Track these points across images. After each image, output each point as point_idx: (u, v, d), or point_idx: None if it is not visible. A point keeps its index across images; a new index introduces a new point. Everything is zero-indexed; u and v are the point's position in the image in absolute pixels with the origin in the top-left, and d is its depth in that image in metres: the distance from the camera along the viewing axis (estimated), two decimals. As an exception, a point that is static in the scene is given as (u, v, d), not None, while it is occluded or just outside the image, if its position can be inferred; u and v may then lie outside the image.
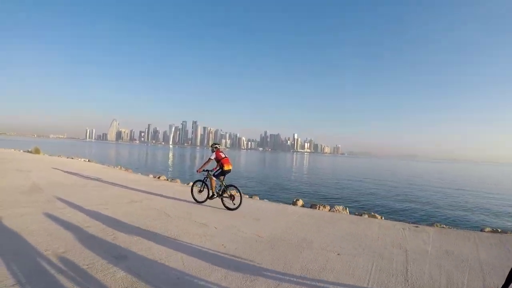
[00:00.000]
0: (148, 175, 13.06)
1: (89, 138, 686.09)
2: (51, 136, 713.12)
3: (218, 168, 6.62)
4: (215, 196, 6.66)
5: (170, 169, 30.30)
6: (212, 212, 6.14)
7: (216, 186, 6.71)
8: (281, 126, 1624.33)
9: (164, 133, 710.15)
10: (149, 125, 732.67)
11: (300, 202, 8.32)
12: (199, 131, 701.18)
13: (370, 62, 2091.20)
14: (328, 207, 7.66)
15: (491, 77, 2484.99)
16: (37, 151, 19.86)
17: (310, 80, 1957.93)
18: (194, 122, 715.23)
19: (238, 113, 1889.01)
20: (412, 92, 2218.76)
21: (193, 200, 7.06)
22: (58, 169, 11.81)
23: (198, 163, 47.13)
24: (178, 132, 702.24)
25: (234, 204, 6.33)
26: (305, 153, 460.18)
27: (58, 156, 19.66)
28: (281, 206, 7.65)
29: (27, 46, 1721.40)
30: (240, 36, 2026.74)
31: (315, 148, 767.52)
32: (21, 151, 22.00)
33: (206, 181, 6.85)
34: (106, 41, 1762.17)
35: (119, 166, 16.18)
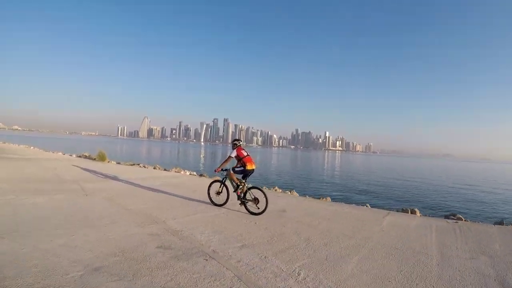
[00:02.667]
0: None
1: (120, 135, 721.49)
2: (83, 133, 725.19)
3: (240, 166, 6.01)
4: (240, 189, 5.94)
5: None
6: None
7: (239, 186, 6.00)
8: (312, 124, 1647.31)
9: (196, 130, 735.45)
10: (180, 122, 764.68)
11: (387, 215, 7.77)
12: (231, 129, 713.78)
13: (403, 61, 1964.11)
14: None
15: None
16: (102, 158, 16.18)
17: (341, 78, 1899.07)
18: (225, 120, 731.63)
19: (270, 110, 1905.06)
20: (448, 92, 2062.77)
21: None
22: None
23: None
24: (209, 130, 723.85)
25: (259, 208, 5.69)
26: (337, 151, 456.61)
27: (131, 165, 14.63)
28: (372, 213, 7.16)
29: (59, 46, 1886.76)
30: (271, 36, 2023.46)
31: (347, 146, 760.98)
32: (74, 155, 19.29)
33: (225, 181, 6.31)
34: (137, 40, 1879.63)
35: (190, 171, 13.57)
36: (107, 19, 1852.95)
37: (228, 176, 6.15)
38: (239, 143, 6.31)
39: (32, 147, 27.30)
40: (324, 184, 22.38)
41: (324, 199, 8.80)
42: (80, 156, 18.73)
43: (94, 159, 16.76)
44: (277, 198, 7.83)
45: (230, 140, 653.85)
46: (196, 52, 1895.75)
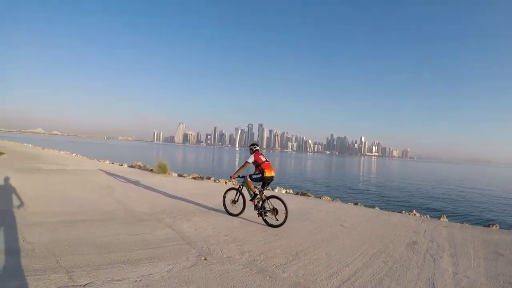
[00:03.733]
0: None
1: (156, 140, 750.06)
2: (120, 138, 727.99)
3: (257, 173, 5.58)
4: (258, 198, 5.55)
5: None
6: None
7: (256, 195, 5.60)
8: (348, 129, 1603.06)
9: (230, 136, 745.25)
10: (215, 127, 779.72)
11: None
12: (265, 134, 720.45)
13: (441, 63, 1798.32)
14: None
15: None
16: (163, 170, 13.22)
17: (377, 81, 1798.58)
18: (260, 125, 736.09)
19: (305, 116, 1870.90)
20: (487, 95, 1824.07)
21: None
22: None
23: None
24: (244, 135, 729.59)
25: (278, 220, 5.23)
26: (373, 157, 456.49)
27: (201, 179, 12.01)
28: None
29: (95, 51, 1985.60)
30: (306, 41, 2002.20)
31: (383, 152, 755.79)
32: (125, 165, 16.18)
33: (241, 189, 5.90)
34: (173, 45, 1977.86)
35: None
36: (144, 29, 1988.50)
37: (244, 183, 5.75)
38: (257, 147, 5.91)
39: (73, 154, 24.54)
40: (371, 192, 21.39)
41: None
42: (132, 166, 15.94)
43: (151, 170, 14.06)
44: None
45: (265, 146, 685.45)
46: (233, 58, 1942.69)
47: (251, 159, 5.58)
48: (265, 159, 5.63)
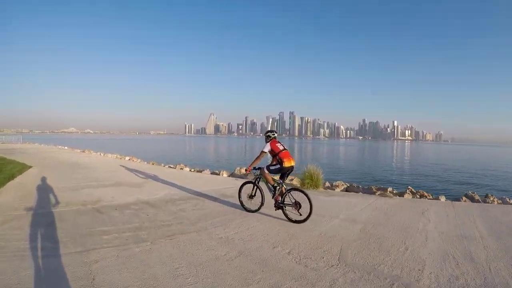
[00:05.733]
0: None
1: (188, 132, 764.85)
2: (152, 132, 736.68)
3: (275, 163, 5.06)
4: (278, 190, 5.00)
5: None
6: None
7: (276, 188, 5.07)
8: (380, 113, 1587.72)
9: (262, 124, 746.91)
10: (246, 117, 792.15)
11: None
12: (297, 122, 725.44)
13: (473, 46, 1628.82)
14: None
15: None
16: (316, 183, 7.81)
17: (407, 65, 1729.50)
18: (291, 113, 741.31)
19: (336, 101, 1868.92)
20: None
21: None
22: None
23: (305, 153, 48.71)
24: (275, 123, 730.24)
25: (301, 215, 4.63)
26: (406, 141, 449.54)
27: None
28: None
29: (126, 49, 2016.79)
30: (333, 24, 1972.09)
31: (416, 135, 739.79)
32: (225, 175, 10.59)
33: (258, 182, 5.36)
34: (204, 40, 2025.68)
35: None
36: (171, 22, 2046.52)
37: (262, 176, 5.25)
38: (274, 135, 5.31)
39: (127, 158, 17.14)
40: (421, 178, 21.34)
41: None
42: (215, 173, 11.16)
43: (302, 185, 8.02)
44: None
45: (297, 133, 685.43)
46: (262, 48, 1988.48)
47: (267, 148, 5.06)
48: (283, 148, 5.10)
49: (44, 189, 7.32)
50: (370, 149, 75.77)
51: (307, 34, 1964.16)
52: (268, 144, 5.12)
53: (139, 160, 16.81)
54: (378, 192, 7.68)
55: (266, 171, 5.12)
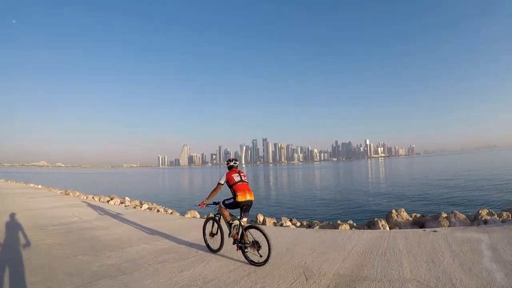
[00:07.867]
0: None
1: (162, 165, 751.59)
2: (124, 165, 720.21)
3: (231, 197, 4.54)
4: (233, 233, 4.44)
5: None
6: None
7: (233, 224, 4.48)
8: (351, 133, 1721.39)
9: (236, 153, 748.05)
10: (220, 147, 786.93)
11: None
12: (270, 148, 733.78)
13: (432, 57, 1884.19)
14: None
15: None
16: None
17: (378, 83, 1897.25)
18: (264, 140, 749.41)
19: (308, 125, 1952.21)
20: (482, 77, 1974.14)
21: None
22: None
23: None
24: (249, 151, 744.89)
25: (261, 256, 4.14)
26: (380, 158, 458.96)
27: None
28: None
29: (99, 82, 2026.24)
30: (304, 51, 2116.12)
31: (389, 152, 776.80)
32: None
33: (218, 219, 4.86)
34: (171, 68, 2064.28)
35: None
36: (140, 44, 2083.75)
37: (219, 211, 4.73)
38: (235, 164, 4.80)
39: (127, 199, 13.09)
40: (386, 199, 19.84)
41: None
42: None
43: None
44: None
45: (271, 160, 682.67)
46: (227, 74, 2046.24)
47: (222, 179, 4.56)
48: (239, 179, 4.53)
49: None
50: (338, 172, 72.11)
51: (269, 64, 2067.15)
52: (224, 175, 4.64)
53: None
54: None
55: (223, 206, 4.64)
